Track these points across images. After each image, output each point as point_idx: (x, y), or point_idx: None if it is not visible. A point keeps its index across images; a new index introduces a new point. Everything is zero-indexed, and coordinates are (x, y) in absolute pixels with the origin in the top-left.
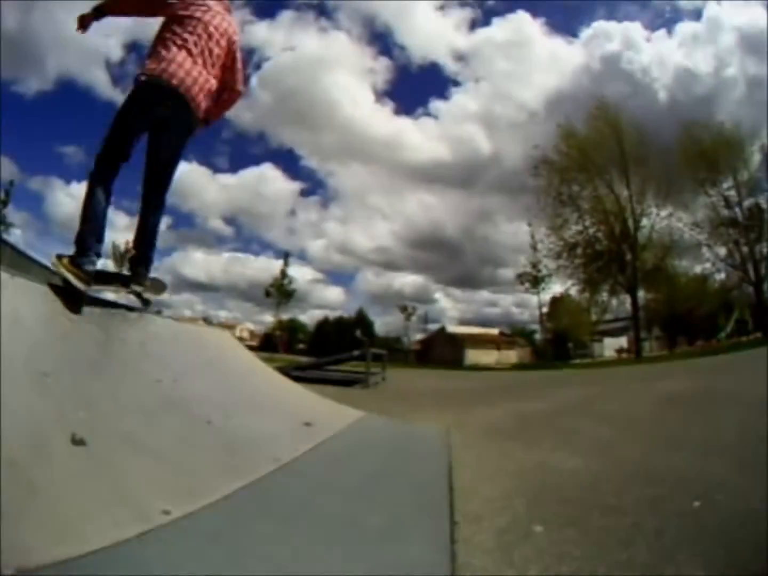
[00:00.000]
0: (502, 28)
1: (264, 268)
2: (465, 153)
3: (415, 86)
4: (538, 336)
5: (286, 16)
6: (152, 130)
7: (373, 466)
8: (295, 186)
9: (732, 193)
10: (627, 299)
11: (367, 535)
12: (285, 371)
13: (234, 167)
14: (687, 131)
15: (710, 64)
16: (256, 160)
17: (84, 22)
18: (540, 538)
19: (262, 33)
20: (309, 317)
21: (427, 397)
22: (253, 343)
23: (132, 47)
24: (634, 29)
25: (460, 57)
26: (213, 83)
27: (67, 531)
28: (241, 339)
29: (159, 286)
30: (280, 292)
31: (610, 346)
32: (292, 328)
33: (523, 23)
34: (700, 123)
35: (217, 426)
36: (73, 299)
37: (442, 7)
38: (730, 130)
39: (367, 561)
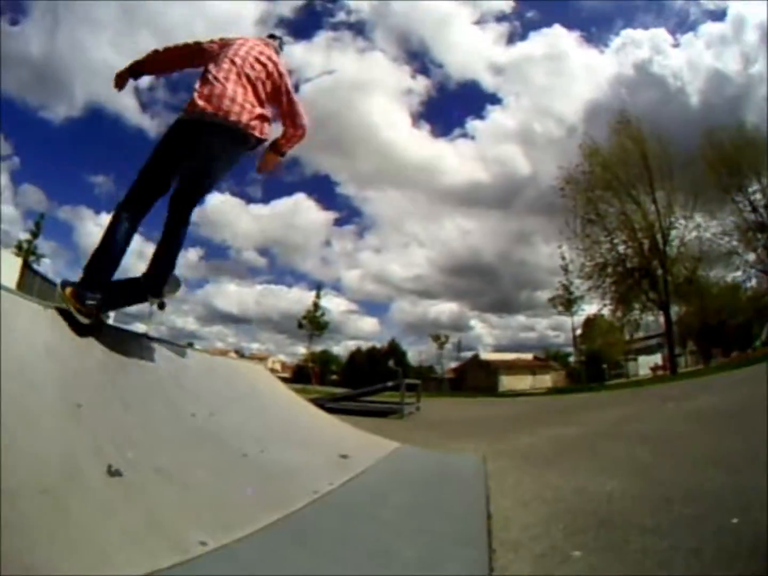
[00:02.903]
0: (539, 41)
1: (297, 299)
2: (502, 173)
3: (453, 105)
4: (572, 359)
5: (322, 36)
6: (196, 154)
7: (409, 497)
8: (330, 215)
9: (758, 196)
10: (660, 315)
11: (405, 567)
12: (319, 403)
13: (267, 197)
14: (708, 137)
15: (738, 62)
16: (290, 190)
17: (120, 82)
18: (578, 562)
19: (298, 54)
20: (343, 348)
21: (461, 426)
22: (286, 374)
23: None
24: (660, 34)
25: (499, 71)
26: (259, 108)
27: (102, 559)
28: (273, 371)
29: (173, 284)
30: (313, 323)
31: (645, 364)
32: (324, 359)
33: (559, 36)
34: (720, 126)
35: (252, 458)
36: (86, 327)
37: (478, 22)
38: (752, 132)
39: None
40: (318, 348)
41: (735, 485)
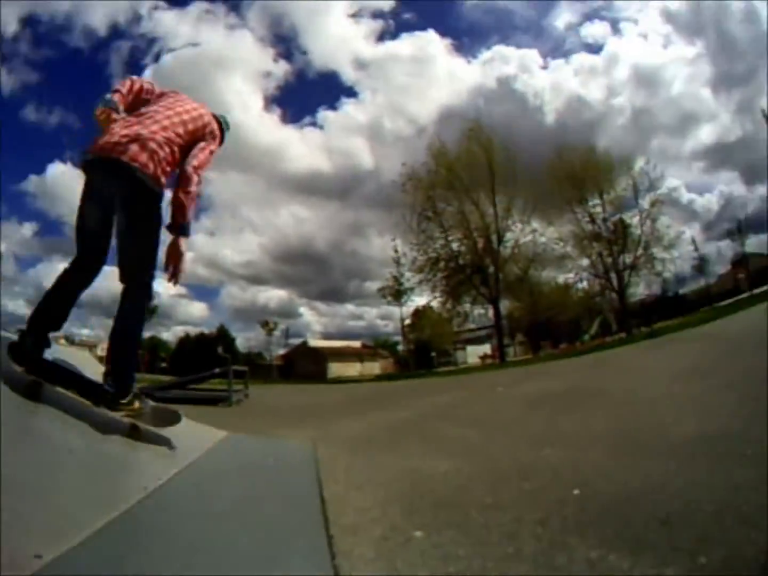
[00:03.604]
0: (409, 43)
1: None
2: (345, 165)
3: (309, 94)
4: (401, 347)
5: (196, 6)
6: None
7: (241, 487)
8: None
9: (597, 210)
10: (490, 309)
11: (244, 560)
12: (146, 392)
13: None
14: (559, 154)
15: (602, 93)
16: None
17: None
18: (422, 542)
19: (168, 21)
20: (173, 334)
21: (291, 413)
22: None
23: None
24: (531, 55)
25: (362, 66)
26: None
27: None
28: (101, 359)
29: (167, 417)
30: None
31: (474, 353)
32: (153, 346)
33: (430, 40)
34: (571, 147)
35: (79, 455)
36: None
37: (354, 15)
38: (601, 155)
39: None
40: (146, 334)
41: (572, 461)
